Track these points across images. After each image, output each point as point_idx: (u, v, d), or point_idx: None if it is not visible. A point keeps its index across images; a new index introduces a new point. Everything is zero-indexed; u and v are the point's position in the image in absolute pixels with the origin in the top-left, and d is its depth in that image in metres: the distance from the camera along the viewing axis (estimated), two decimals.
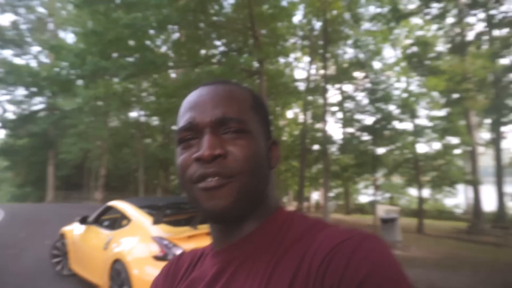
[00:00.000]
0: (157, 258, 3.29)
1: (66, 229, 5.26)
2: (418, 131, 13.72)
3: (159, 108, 15.48)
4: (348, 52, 17.24)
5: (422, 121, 14.28)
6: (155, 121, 28.97)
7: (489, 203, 17.99)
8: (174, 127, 30.16)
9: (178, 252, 3.32)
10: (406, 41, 15.54)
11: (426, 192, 16.16)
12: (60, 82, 12.32)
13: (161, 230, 3.55)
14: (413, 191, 16.64)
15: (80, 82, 13.20)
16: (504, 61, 14.96)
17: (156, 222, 3.50)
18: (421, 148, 14.41)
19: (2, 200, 34.95)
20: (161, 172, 30.28)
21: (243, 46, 16.09)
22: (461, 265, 6.64)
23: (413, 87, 14.00)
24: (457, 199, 29.91)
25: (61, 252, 5.16)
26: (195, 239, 3.49)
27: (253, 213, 0.54)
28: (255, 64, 12.60)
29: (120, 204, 4.33)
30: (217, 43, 16.33)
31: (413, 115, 13.74)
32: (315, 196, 28.27)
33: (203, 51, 15.57)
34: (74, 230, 4.99)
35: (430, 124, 14.11)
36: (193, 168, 0.51)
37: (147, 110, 20.81)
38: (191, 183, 0.52)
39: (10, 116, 28.71)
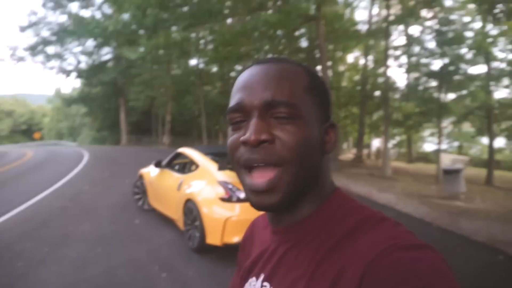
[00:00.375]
0: (223, 199, 3.72)
1: (144, 171, 6.00)
2: (494, 76, 12.40)
3: (217, 56, 15.71)
4: None
5: (500, 65, 12.79)
6: (213, 68, 29.54)
7: None
8: (232, 74, 30.63)
9: (241, 195, 3.72)
10: None
11: (501, 142, 14.96)
12: (126, 34, 13.01)
13: (225, 175, 3.95)
14: (486, 141, 15.49)
15: (142, 32, 13.80)
16: None
17: (221, 168, 3.89)
18: (497, 94, 13.12)
19: (84, 142, 39.43)
20: (222, 118, 31.46)
21: None
22: None
23: (490, 27, 12.41)
24: None
25: (140, 190, 5.95)
26: None
27: (305, 199, 0.54)
28: (313, 7, 12.04)
29: (188, 151, 4.81)
30: None
31: (489, 59, 12.35)
32: (376, 143, 27.58)
33: None
34: (150, 172, 5.67)
35: (508, 68, 12.62)
36: (241, 151, 0.51)
37: (206, 58, 21.23)
38: (239, 166, 0.52)
39: (83, 66, 31.13)
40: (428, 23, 14.24)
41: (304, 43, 19.51)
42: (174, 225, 4.77)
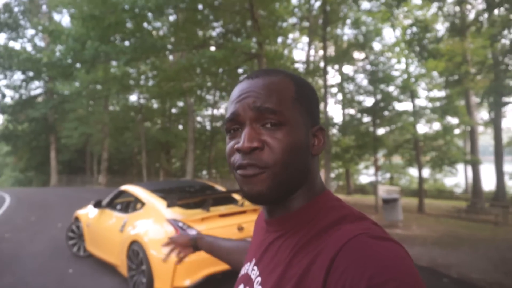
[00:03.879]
0: None
1: (80, 212, 5.44)
2: (418, 112, 13.81)
3: (160, 91, 15.43)
4: (347, 33, 17.17)
5: (422, 102, 14.35)
6: (154, 104, 29.01)
7: (488, 182, 18.24)
8: (174, 110, 30.27)
9: (193, 232, 3.49)
10: (405, 21, 15.40)
11: (426, 172, 16.34)
12: (61, 67, 12.28)
13: (175, 212, 3.71)
14: (413, 171, 16.85)
15: (78, 66, 13.12)
16: (504, 41, 14.89)
17: (170, 205, 3.65)
18: (421, 128, 14.57)
19: (4, 185, 35.29)
20: (162, 155, 30.49)
21: (241, 27, 15.94)
22: (461, 242, 6.86)
23: (413, 68, 14.02)
24: (457, 178, 30.28)
25: (76, 234, 5.35)
26: (208, 221, 3.65)
27: (295, 195, 0.59)
28: (254, 46, 12.57)
29: (132, 188, 4.48)
30: (215, 24, 16.20)
31: (413, 96, 13.79)
32: None
33: (201, 33, 15.47)
34: (88, 213, 5.16)
35: (429, 105, 14.20)
36: (236, 156, 0.58)
37: (147, 94, 20.76)
38: (233, 169, 0.59)
39: (8, 101, 28.61)
40: (360, 64, 15.61)
41: None
42: (116, 271, 4.31)
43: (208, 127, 29.64)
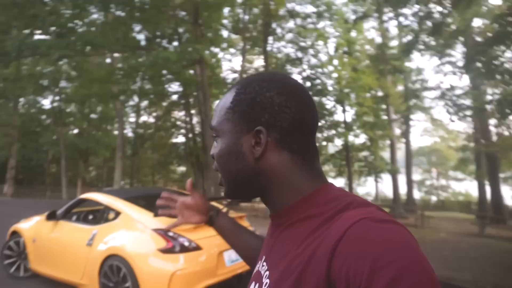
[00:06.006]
0: (163, 250, 3.14)
1: (20, 226, 4.63)
2: (349, 124, 15.00)
3: (89, 94, 14.15)
4: (286, 47, 17.91)
5: (352, 115, 15.63)
6: (71, 108, 26.55)
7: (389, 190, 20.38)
8: (93, 115, 27.93)
9: (185, 242, 3.24)
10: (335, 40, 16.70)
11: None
12: None
13: (159, 222, 3.40)
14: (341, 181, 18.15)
15: None
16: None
17: (159, 214, 3.34)
18: (350, 139, 15.82)
19: None
20: (80, 163, 27.83)
21: (173, 33, 15.49)
22: None
23: (344, 82, 15.20)
24: (367, 188, 33.31)
25: (15, 252, 4.55)
26: (198, 229, 3.42)
27: (274, 192, 0.61)
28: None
29: (100, 197, 3.98)
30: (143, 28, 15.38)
31: (344, 110, 14.95)
32: None
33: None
34: (34, 227, 4.44)
35: (358, 118, 15.53)
36: None
37: (70, 96, 18.83)
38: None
39: None
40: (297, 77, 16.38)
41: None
42: None
43: (131, 134, 27.89)
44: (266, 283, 0.58)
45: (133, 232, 3.43)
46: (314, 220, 0.54)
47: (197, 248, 3.25)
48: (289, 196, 0.60)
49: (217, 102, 0.68)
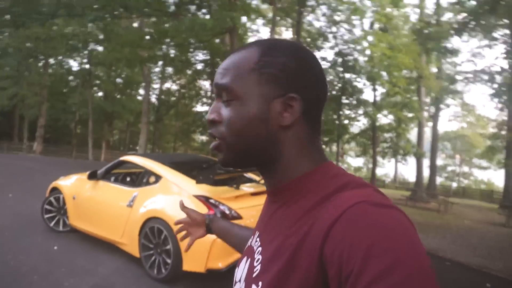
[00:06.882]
0: None
1: (61, 183, 4.78)
2: (378, 104, 14.57)
3: (120, 58, 14.17)
4: (319, 20, 17.28)
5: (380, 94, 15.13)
6: (99, 72, 26.78)
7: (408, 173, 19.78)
8: (119, 80, 28.20)
9: (226, 210, 3.25)
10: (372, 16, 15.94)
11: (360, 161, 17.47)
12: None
13: (202, 189, 3.41)
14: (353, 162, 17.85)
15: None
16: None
17: (202, 181, 3.35)
18: (379, 120, 15.41)
19: None
20: (105, 126, 28.44)
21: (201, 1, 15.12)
22: (426, 229, 7.45)
23: (378, 60, 14.62)
24: (385, 169, 32.83)
25: (55, 208, 4.72)
26: (242, 199, 3.43)
27: (277, 165, 0.58)
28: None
29: (141, 160, 4.02)
30: None
31: (375, 89, 14.48)
32: None
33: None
34: (74, 184, 4.57)
35: (388, 98, 15.04)
36: None
37: (103, 58, 18.87)
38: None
39: None
40: (328, 52, 15.90)
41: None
42: (116, 250, 3.89)
43: (154, 101, 28.10)
44: (258, 259, 0.57)
45: (174, 197, 3.46)
46: (310, 199, 0.53)
47: (238, 217, 3.26)
48: (293, 172, 0.57)
49: (228, 56, 0.60)
